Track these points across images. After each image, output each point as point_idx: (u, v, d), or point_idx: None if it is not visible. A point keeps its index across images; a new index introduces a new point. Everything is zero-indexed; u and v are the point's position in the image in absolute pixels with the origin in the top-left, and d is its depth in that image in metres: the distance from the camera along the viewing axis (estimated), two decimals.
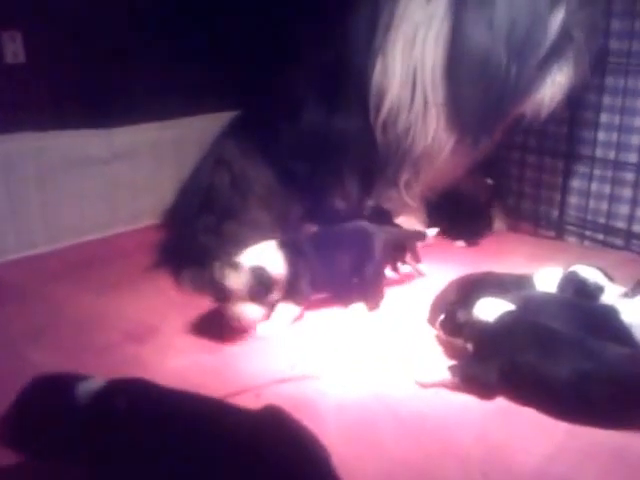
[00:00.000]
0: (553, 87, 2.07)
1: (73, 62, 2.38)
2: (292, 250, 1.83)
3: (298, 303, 1.86)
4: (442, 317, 1.68)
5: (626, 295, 1.63)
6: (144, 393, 1.23)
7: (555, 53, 2.02)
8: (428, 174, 2.34)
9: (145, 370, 1.60)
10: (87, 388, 1.19)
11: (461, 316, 1.62)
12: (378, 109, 2.24)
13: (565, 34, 2.00)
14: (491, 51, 2.01)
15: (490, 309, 1.56)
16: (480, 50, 2.03)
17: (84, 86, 2.43)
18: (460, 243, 2.45)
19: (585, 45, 2.02)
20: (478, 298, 1.64)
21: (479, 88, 2.08)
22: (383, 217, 2.30)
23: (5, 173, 2.21)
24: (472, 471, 1.28)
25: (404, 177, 2.35)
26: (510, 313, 1.55)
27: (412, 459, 1.32)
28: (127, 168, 2.53)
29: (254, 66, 2.79)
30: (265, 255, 1.79)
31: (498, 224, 2.57)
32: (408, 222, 2.39)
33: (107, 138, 2.47)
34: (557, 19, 1.98)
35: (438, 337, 1.72)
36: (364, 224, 2.00)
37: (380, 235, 1.95)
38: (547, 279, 1.78)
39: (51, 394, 1.19)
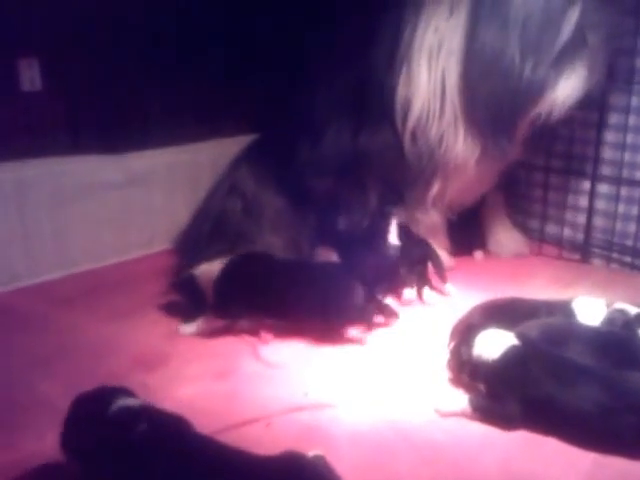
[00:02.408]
0: (566, 88, 2.07)
1: (89, 88, 2.43)
2: None
3: None
4: (447, 357, 1.65)
5: None
6: (167, 425, 1.24)
7: (569, 54, 2.03)
8: (456, 185, 2.33)
9: (154, 398, 1.57)
10: (123, 404, 1.23)
11: (465, 354, 1.57)
12: (405, 121, 2.26)
13: (579, 36, 2.01)
14: (504, 52, 2.04)
15: (493, 345, 1.51)
16: (493, 53, 2.06)
17: (99, 112, 2.47)
18: (478, 254, 2.45)
19: (600, 47, 2.03)
20: (504, 325, 1.60)
21: (493, 89, 2.09)
22: (410, 234, 2.29)
23: (19, 198, 2.24)
24: None
25: (433, 190, 2.33)
26: (515, 347, 1.50)
27: None
28: (141, 193, 2.55)
29: (271, 89, 2.81)
30: None
31: (520, 247, 2.52)
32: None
33: (122, 163, 2.50)
34: (571, 20, 1.99)
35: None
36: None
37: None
38: (588, 310, 1.72)
39: (90, 404, 1.26)
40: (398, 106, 2.25)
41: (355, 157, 2.34)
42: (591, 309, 1.71)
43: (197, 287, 1.92)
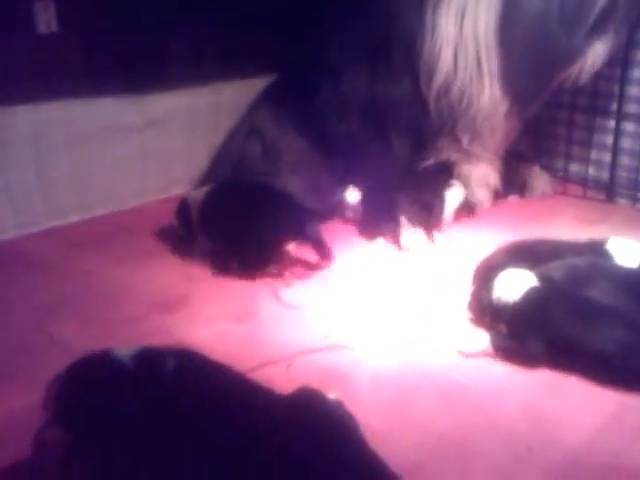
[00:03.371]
0: (597, 53, 2.10)
1: (105, 30, 2.35)
2: None
3: None
4: (469, 299, 1.62)
5: None
6: (190, 359, 1.22)
7: (602, 21, 2.05)
8: (484, 138, 2.29)
9: (173, 340, 1.59)
10: (128, 353, 1.17)
11: (485, 297, 1.54)
12: (431, 76, 2.21)
13: (611, 4, 2.02)
14: (544, 17, 2.04)
15: (513, 287, 1.48)
16: (533, 17, 2.06)
17: (117, 53, 2.40)
18: (513, 198, 2.40)
19: (626, 14, 2.06)
20: (528, 266, 1.56)
21: (531, 54, 2.10)
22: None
23: (36, 142, 2.20)
24: (517, 445, 1.22)
25: (462, 142, 2.30)
26: (536, 288, 1.46)
27: (452, 432, 1.27)
28: (160, 136, 2.49)
29: (291, 30, 2.70)
30: None
31: (544, 187, 2.46)
32: (484, 174, 2.35)
33: (140, 105, 2.44)
34: None
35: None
36: None
37: None
38: (624, 251, 1.66)
39: (96, 367, 1.16)
40: (424, 62, 2.21)
41: (374, 103, 2.30)
42: (627, 250, 1.65)
43: (187, 211, 1.99)
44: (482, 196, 2.32)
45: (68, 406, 1.09)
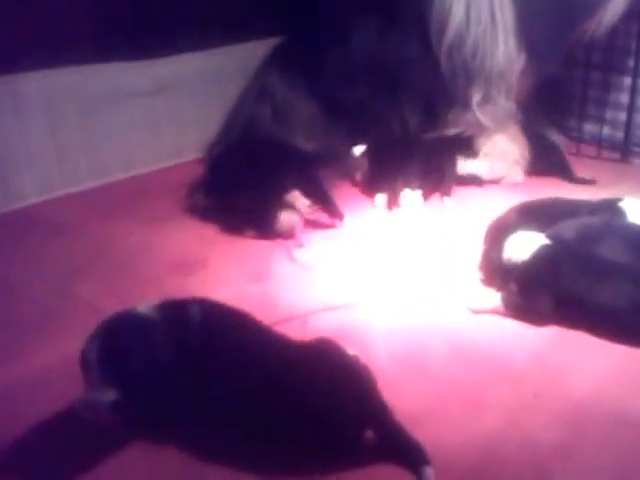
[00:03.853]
0: (616, 5, 2.04)
1: None
2: None
3: None
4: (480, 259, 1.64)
5: None
6: (213, 307, 1.27)
7: None
8: (499, 95, 2.26)
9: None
10: (151, 308, 1.21)
11: (496, 258, 1.56)
12: (442, 31, 2.17)
13: None
14: None
15: (522, 247, 1.50)
16: None
17: (125, 17, 2.39)
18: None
19: None
20: (542, 225, 1.59)
21: (549, 6, 2.05)
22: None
23: (48, 108, 2.22)
24: (526, 394, 1.27)
25: (475, 99, 2.26)
26: (546, 247, 1.48)
27: (463, 383, 1.31)
28: (170, 100, 2.50)
29: None
30: None
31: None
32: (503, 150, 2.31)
33: (149, 70, 2.44)
34: None
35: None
36: None
37: None
38: (638, 210, 1.66)
39: (127, 324, 1.19)
40: (434, 16, 2.17)
41: (383, 64, 2.27)
42: None
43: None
44: (503, 172, 2.27)
45: (111, 366, 1.11)
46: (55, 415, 1.25)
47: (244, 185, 1.97)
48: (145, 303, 1.22)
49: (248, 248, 1.89)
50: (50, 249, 1.92)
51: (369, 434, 1.13)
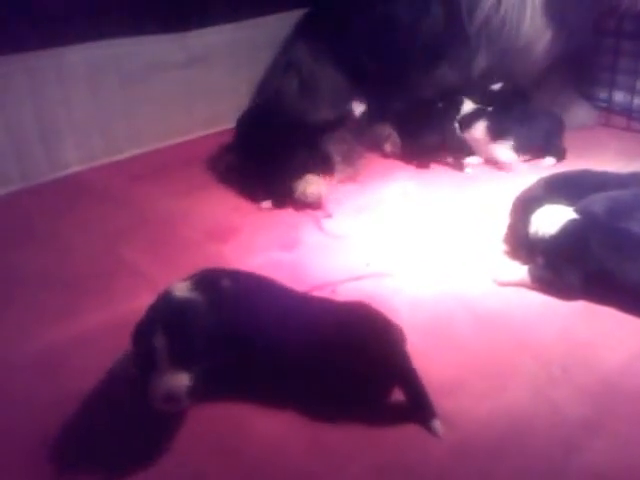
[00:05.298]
0: None
1: None
2: None
3: None
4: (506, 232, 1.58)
5: None
6: (241, 276, 1.26)
7: None
8: (525, 65, 2.16)
9: (228, 266, 1.60)
10: (184, 286, 1.18)
11: (522, 231, 1.49)
12: (474, 8, 2.08)
13: None
14: None
15: (550, 221, 1.43)
16: None
17: None
18: (549, 160, 2.08)
19: None
20: (570, 198, 1.51)
21: None
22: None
23: (90, 81, 2.20)
24: (550, 366, 1.22)
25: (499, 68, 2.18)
26: (574, 221, 1.41)
27: (488, 353, 1.27)
28: (203, 72, 2.45)
29: None
30: None
31: (586, 118, 2.33)
32: None
33: (182, 42, 2.39)
34: None
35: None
36: None
37: None
38: None
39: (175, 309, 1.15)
40: None
41: (409, 39, 2.18)
42: None
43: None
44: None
45: (180, 349, 1.07)
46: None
47: (268, 154, 1.93)
48: (178, 284, 1.19)
49: (279, 218, 1.86)
50: (94, 215, 1.92)
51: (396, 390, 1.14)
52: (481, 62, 2.17)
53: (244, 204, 1.93)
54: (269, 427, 1.13)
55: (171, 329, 1.08)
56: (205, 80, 2.46)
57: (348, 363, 1.11)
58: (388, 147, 2.20)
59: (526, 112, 2.12)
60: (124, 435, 1.13)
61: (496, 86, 2.17)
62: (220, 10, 2.45)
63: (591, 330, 1.30)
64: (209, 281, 1.20)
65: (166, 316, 1.11)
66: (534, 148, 2.07)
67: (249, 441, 1.11)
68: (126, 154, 2.31)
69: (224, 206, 1.93)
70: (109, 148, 2.27)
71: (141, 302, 1.44)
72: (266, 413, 1.15)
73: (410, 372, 1.13)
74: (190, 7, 2.40)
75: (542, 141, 2.07)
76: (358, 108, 2.18)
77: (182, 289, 1.17)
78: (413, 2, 2.18)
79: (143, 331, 1.10)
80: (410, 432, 1.10)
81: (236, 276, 1.25)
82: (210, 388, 1.10)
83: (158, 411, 1.06)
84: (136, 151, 2.32)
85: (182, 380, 1.05)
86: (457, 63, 2.20)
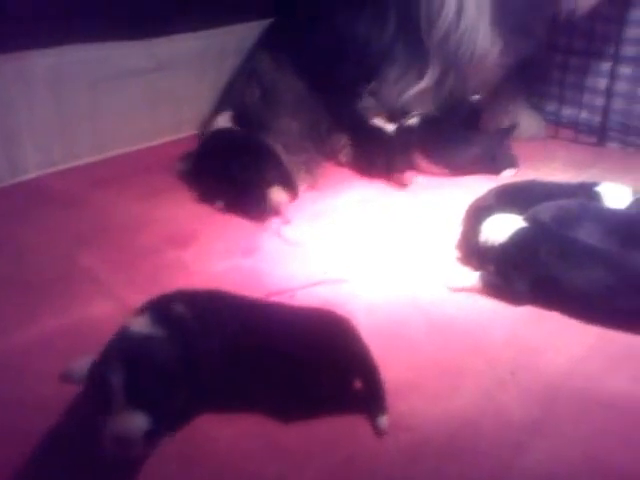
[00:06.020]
0: None
1: None
2: None
3: None
4: (459, 239, 1.60)
5: None
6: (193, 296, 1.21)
7: None
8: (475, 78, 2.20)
9: (188, 273, 1.61)
10: (139, 320, 1.11)
11: (473, 239, 1.51)
12: (433, 23, 2.11)
13: None
14: None
15: (499, 229, 1.45)
16: None
17: None
18: (508, 172, 2.08)
19: None
20: (520, 207, 1.53)
21: None
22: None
23: (53, 85, 2.14)
24: (499, 369, 1.24)
25: (449, 82, 2.21)
26: (523, 229, 1.44)
27: (441, 356, 1.29)
28: (169, 78, 2.42)
29: None
30: None
31: (537, 130, 2.39)
32: None
33: (150, 49, 2.36)
34: None
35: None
36: None
37: None
38: (614, 195, 1.61)
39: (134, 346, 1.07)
40: (424, 7, 2.10)
41: (364, 50, 2.21)
42: (617, 195, 1.61)
43: None
44: None
45: (140, 388, 0.99)
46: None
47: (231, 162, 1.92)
48: (135, 318, 1.12)
49: (238, 224, 1.84)
50: (53, 220, 1.86)
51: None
52: (437, 76, 2.19)
53: (205, 210, 1.91)
54: (225, 432, 1.11)
55: (129, 367, 1.00)
56: (171, 87, 2.43)
57: (311, 357, 1.11)
58: (342, 157, 2.21)
59: (464, 132, 2.15)
60: (79, 439, 1.09)
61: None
62: (188, 18, 2.43)
63: (538, 334, 1.33)
64: (164, 311, 1.13)
65: (124, 353, 1.03)
66: (473, 166, 2.08)
67: (205, 448, 1.09)
68: (88, 159, 2.25)
69: (185, 212, 1.90)
70: (71, 153, 2.21)
71: (99, 308, 1.44)
72: (222, 418, 1.13)
73: (369, 362, 1.14)
74: (158, 14, 2.36)
75: (485, 159, 2.08)
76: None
77: (140, 324, 1.09)
78: (369, 17, 2.21)
79: (98, 369, 1.01)
80: (365, 433, 1.10)
81: (190, 298, 1.19)
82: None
83: (110, 455, 0.97)
84: (99, 156, 2.27)
85: (138, 422, 0.96)
86: (412, 78, 2.22)
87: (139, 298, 1.21)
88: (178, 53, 2.43)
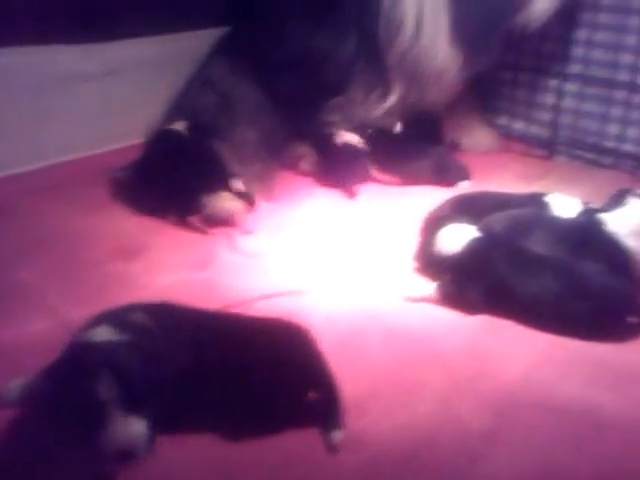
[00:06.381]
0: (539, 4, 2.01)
1: None
2: None
3: None
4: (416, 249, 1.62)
5: (607, 208, 1.56)
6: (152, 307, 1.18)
7: None
8: (433, 92, 2.24)
9: (135, 286, 1.55)
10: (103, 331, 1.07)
11: (430, 249, 1.54)
12: (392, 39, 2.14)
13: None
14: None
15: (454, 240, 1.48)
16: None
17: (75, 1, 2.22)
18: (464, 184, 2.11)
19: None
20: (474, 217, 1.57)
21: (478, 9, 2.03)
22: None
23: None
24: (456, 378, 1.25)
25: (410, 98, 2.25)
26: (477, 240, 1.47)
27: (397, 367, 1.29)
28: (118, 85, 2.36)
29: None
30: None
31: (489, 143, 2.45)
32: None
33: (98, 54, 2.29)
34: None
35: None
36: None
37: None
38: (563, 206, 1.65)
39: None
40: (383, 23, 2.13)
41: (319, 63, 2.22)
42: (565, 205, 1.66)
43: None
44: None
45: (122, 400, 0.96)
46: None
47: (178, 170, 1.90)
48: (96, 329, 1.07)
49: (190, 236, 1.80)
50: None
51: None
52: (400, 93, 2.22)
53: (156, 222, 1.86)
54: (177, 453, 1.07)
55: (114, 375, 0.96)
56: (120, 93, 2.36)
57: (268, 369, 1.10)
58: (303, 165, 2.21)
59: (417, 144, 2.20)
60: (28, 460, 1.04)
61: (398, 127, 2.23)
62: (139, 23, 2.38)
63: (494, 342, 1.34)
64: (124, 320, 1.09)
65: (101, 363, 0.97)
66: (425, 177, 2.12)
67: (155, 469, 1.03)
68: (30, 167, 2.15)
69: (134, 224, 1.84)
70: (10, 161, 2.10)
71: (38, 325, 1.37)
72: (172, 438, 1.09)
73: (326, 375, 1.13)
74: (109, 18, 2.31)
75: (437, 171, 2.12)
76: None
77: (102, 334, 1.05)
78: (329, 31, 2.22)
79: (79, 386, 0.95)
80: (322, 449, 1.09)
81: (146, 309, 1.16)
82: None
83: (109, 470, 0.95)
84: (41, 164, 2.17)
85: (138, 426, 0.94)
86: (376, 96, 2.24)
87: (82, 313, 1.16)
88: (127, 58, 2.38)
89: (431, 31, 2.11)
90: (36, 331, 1.35)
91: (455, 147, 2.23)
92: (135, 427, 0.95)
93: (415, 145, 2.21)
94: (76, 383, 0.96)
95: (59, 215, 1.87)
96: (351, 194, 2.05)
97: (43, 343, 1.27)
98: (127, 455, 0.94)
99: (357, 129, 2.20)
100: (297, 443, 1.10)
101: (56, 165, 2.20)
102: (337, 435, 1.09)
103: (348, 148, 2.14)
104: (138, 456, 0.94)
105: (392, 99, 2.23)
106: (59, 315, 1.41)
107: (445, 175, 2.11)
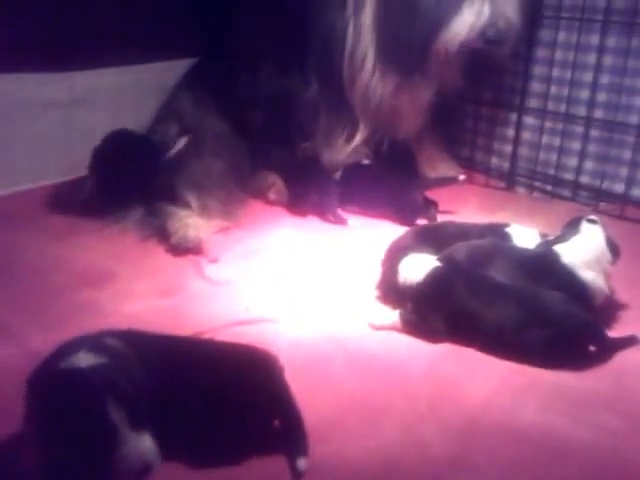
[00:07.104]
0: (467, 18, 1.99)
1: (32, 4, 2.22)
2: None
3: None
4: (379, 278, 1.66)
5: (562, 237, 1.61)
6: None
7: None
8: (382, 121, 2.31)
9: (102, 314, 1.57)
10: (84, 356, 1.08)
11: (392, 279, 1.58)
12: (354, 76, 2.21)
13: None
14: None
15: (415, 269, 1.53)
16: None
17: (43, 29, 2.26)
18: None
19: None
20: (436, 247, 1.62)
21: (400, 22, 2.06)
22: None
23: None
24: (419, 404, 1.29)
25: (362, 128, 2.32)
26: (438, 269, 1.52)
27: (361, 393, 1.32)
28: (85, 113, 2.40)
29: (216, 13, 2.66)
30: None
31: (452, 175, 2.53)
32: None
33: (66, 82, 2.34)
34: None
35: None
36: None
37: None
38: (522, 237, 1.72)
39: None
40: (347, 63, 2.21)
41: (282, 101, 2.30)
42: (524, 236, 1.72)
43: None
44: None
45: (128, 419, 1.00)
46: None
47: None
48: (76, 355, 1.06)
49: (158, 263, 1.83)
50: None
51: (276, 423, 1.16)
52: (363, 130, 2.30)
53: (124, 249, 1.89)
54: None
55: (116, 395, 0.99)
56: (87, 122, 2.40)
57: (229, 395, 1.12)
58: (272, 195, 2.26)
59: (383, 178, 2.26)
60: None
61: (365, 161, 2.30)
62: (107, 52, 2.43)
63: (456, 369, 1.39)
64: (99, 345, 1.11)
65: (106, 385, 1.01)
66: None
67: None
68: None
69: (99, 251, 1.86)
70: None
71: (1, 352, 1.37)
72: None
73: (289, 403, 1.15)
74: (77, 47, 2.35)
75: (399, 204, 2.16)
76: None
77: (86, 358, 1.06)
78: (293, 72, 2.30)
79: (88, 411, 0.97)
80: (288, 476, 1.11)
81: (117, 335, 1.18)
82: None
83: None
84: (5, 191, 2.19)
85: (147, 442, 1.00)
86: (345, 136, 2.32)
87: (46, 341, 1.17)
88: (95, 87, 2.42)
89: (370, 64, 2.18)
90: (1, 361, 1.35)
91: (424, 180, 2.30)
92: (145, 443, 1.01)
93: (385, 178, 2.25)
94: (82, 409, 0.98)
95: (26, 243, 1.88)
96: (340, 221, 2.12)
97: (6, 371, 1.28)
98: (142, 471, 1.00)
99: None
100: (262, 470, 1.12)
101: (21, 192, 2.22)
102: (302, 462, 1.10)
103: (321, 176, 2.22)
104: (153, 470, 1.01)
105: (359, 138, 2.31)
106: (22, 343, 1.42)
107: (410, 209, 2.14)
